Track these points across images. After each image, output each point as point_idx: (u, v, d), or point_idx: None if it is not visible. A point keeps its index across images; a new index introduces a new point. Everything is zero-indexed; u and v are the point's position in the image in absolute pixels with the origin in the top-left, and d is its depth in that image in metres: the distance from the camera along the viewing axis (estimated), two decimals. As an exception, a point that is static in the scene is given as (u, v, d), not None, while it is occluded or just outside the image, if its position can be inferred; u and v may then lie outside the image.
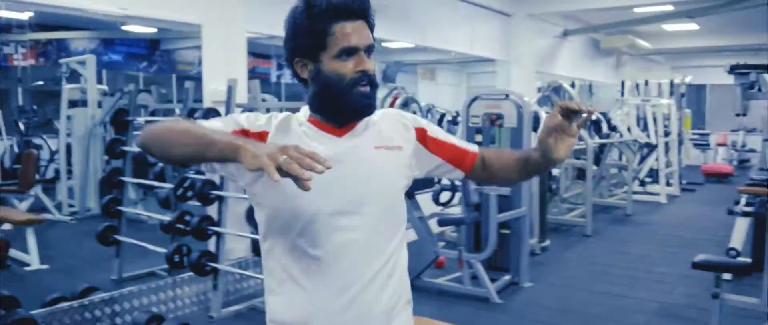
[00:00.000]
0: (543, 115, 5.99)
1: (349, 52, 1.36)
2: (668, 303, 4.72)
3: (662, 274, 5.50)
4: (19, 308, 3.08)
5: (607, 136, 8.47)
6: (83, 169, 7.29)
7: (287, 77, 14.47)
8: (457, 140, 1.58)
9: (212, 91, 4.37)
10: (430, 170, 1.56)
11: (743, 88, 5.65)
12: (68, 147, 7.66)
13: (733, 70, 5.67)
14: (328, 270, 1.40)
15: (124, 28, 9.31)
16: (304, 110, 1.46)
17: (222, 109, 4.02)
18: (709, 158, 14.11)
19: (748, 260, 3.82)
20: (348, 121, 1.43)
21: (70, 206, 7.48)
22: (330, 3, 1.34)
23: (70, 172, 7.71)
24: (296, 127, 1.43)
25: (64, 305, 3.72)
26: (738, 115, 6.26)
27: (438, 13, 7.26)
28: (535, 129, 5.56)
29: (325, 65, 1.37)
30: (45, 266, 5.32)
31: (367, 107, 1.40)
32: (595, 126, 8.60)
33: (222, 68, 4.42)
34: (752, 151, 13.49)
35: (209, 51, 4.45)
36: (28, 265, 5.26)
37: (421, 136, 1.53)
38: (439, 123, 10.57)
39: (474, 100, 5.09)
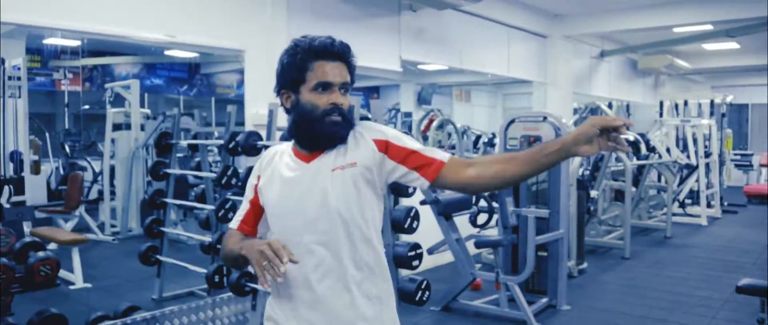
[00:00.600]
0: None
1: (324, 86, 1.57)
2: (711, 329, 4.62)
3: (704, 298, 5.38)
4: (67, 327, 3.18)
5: (647, 157, 8.36)
6: (125, 190, 7.47)
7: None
8: (425, 149, 1.63)
9: (254, 114, 4.47)
10: (397, 178, 1.63)
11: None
12: (111, 169, 7.87)
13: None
14: (291, 281, 1.62)
15: (166, 53, 9.56)
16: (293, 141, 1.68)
17: (263, 132, 4.10)
18: (751, 179, 13.78)
19: (795, 285, 3.71)
20: (318, 147, 1.62)
21: (113, 226, 7.66)
22: (312, 44, 1.57)
23: (112, 193, 7.91)
24: (277, 160, 1.68)
25: (108, 323, 3.82)
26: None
27: (474, 35, 7.30)
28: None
29: (303, 97, 1.58)
30: (88, 285, 5.46)
31: (335, 134, 1.58)
32: (634, 147, 8.50)
33: (264, 92, 4.53)
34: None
35: (251, 75, 4.56)
36: (72, 284, 5.40)
37: (383, 146, 1.61)
38: (475, 144, 10.56)
39: (511, 122, 5.10)
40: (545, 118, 5.03)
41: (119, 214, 7.60)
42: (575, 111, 8.58)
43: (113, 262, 6.55)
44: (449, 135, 10.45)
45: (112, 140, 7.82)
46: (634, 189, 7.51)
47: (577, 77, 9.28)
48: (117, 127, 7.93)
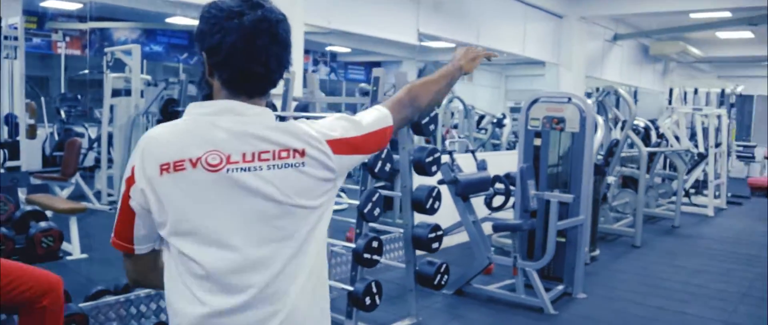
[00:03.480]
0: (600, 121, 5.76)
1: None
2: (733, 323, 4.47)
3: (720, 291, 5.24)
4: (70, 303, 2.97)
5: (658, 144, 8.20)
6: (124, 158, 7.24)
7: (323, 73, 14.40)
8: None
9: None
10: None
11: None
12: (109, 136, 7.63)
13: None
14: None
15: (167, 20, 9.27)
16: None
17: (278, 103, 3.88)
18: (753, 171, 13.68)
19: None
20: None
21: (109, 195, 7.44)
22: None
23: (109, 161, 7.69)
24: None
25: (111, 299, 3.61)
26: None
27: (491, 11, 7.04)
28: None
29: None
30: (85, 256, 5.25)
31: None
32: (644, 134, 8.33)
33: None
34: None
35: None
36: (70, 254, 5.18)
37: None
38: (478, 124, 10.35)
39: (534, 102, 4.89)
40: (570, 99, 4.83)
41: (116, 182, 7.37)
42: (588, 95, 8.36)
43: (110, 232, 6.31)
44: (452, 114, 10.24)
45: (111, 106, 7.56)
46: (647, 176, 7.34)
47: (589, 60, 9.05)
48: (116, 93, 7.68)
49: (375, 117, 1.41)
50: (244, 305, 1.22)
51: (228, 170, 1.20)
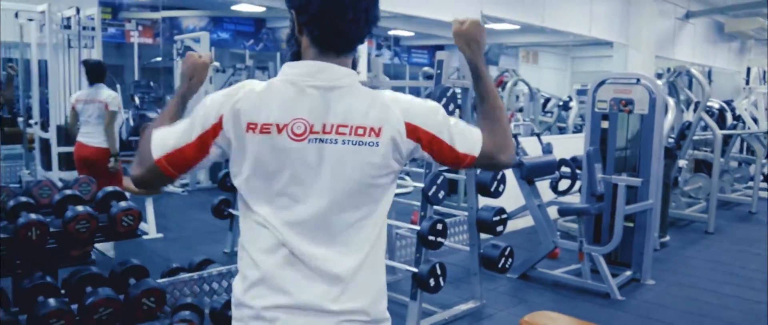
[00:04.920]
0: (671, 103, 5.58)
1: None
2: (814, 313, 4.28)
3: (801, 280, 5.02)
4: (148, 278, 3.12)
5: (734, 126, 7.88)
6: (194, 143, 7.47)
7: (386, 57, 14.41)
8: None
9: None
10: None
11: None
12: (180, 121, 7.88)
13: None
14: None
15: (234, 8, 9.50)
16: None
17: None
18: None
19: None
20: None
21: (182, 178, 7.71)
22: None
23: (181, 145, 7.94)
24: None
25: (185, 276, 3.78)
26: None
27: (556, -9, 6.89)
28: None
29: None
30: (160, 235, 5.47)
31: None
32: (718, 116, 8.01)
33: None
34: None
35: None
36: (146, 233, 5.40)
37: None
38: (544, 108, 10.17)
39: (601, 84, 4.78)
40: (638, 80, 4.69)
41: (187, 167, 7.62)
42: (658, 75, 8.08)
43: (184, 213, 6.58)
44: (517, 97, 10.10)
45: (182, 93, 7.80)
46: (721, 160, 7.07)
47: (659, 40, 8.73)
48: (186, 79, 7.92)
49: (470, 140, 1.36)
50: (308, 275, 1.28)
51: (309, 140, 1.24)
